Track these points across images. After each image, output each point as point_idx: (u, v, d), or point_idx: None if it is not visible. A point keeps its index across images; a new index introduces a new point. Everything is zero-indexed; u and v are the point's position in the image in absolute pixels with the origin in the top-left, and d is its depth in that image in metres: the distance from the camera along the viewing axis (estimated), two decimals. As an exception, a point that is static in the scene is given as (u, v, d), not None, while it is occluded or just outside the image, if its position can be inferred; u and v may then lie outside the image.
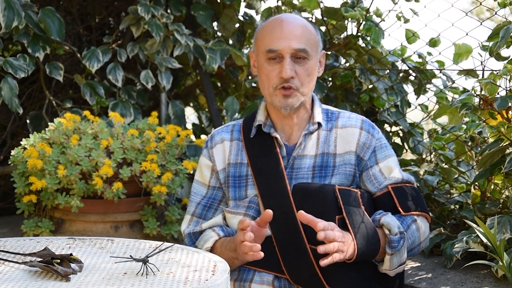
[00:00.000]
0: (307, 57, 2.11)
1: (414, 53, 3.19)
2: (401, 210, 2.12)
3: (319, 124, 2.18)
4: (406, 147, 3.21)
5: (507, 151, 2.32)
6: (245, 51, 3.69)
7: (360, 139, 2.16)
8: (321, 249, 1.90)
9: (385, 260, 2.06)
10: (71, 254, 1.67)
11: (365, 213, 2.06)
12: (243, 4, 3.66)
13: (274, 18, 2.18)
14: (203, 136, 3.80)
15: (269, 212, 1.95)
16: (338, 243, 1.92)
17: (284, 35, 2.10)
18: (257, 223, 2.00)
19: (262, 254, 1.93)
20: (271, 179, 2.12)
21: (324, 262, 1.91)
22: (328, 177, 2.13)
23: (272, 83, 2.11)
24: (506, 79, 2.36)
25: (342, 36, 3.27)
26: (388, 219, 2.06)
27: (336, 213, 2.03)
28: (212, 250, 2.13)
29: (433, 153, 3.01)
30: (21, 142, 2.73)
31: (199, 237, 2.20)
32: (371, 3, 3.14)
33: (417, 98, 3.29)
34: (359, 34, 3.17)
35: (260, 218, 1.98)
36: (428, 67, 3.24)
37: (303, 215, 1.92)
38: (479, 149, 2.71)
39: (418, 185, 2.80)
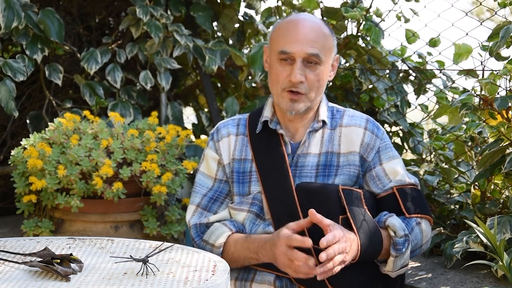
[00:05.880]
0: (318, 62, 2.09)
1: (414, 53, 3.19)
2: (405, 212, 2.11)
3: (324, 122, 2.17)
4: (406, 147, 3.21)
5: (507, 151, 2.32)
6: (245, 51, 3.69)
7: (364, 140, 2.16)
8: (318, 270, 1.90)
9: (388, 262, 2.06)
10: (71, 254, 1.67)
11: (367, 212, 2.05)
12: (243, 4, 3.66)
13: (291, 18, 2.15)
14: (203, 136, 3.80)
15: (314, 212, 1.94)
16: (340, 256, 1.91)
17: (299, 38, 2.07)
18: (295, 229, 1.97)
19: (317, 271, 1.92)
20: (275, 176, 2.11)
21: (320, 276, 1.91)
22: (332, 177, 2.13)
23: (281, 84, 2.10)
24: (506, 79, 2.36)
25: (342, 36, 3.27)
26: (394, 221, 2.05)
27: (339, 213, 2.03)
28: (224, 245, 2.10)
29: (433, 153, 3.00)
30: (21, 142, 2.73)
31: (208, 231, 2.15)
32: (371, 3, 3.14)
33: (417, 98, 3.29)
34: (359, 34, 3.16)
35: (304, 222, 1.96)
36: (428, 67, 3.24)
37: (313, 214, 1.91)
38: (479, 149, 2.71)
39: (418, 185, 2.80)
